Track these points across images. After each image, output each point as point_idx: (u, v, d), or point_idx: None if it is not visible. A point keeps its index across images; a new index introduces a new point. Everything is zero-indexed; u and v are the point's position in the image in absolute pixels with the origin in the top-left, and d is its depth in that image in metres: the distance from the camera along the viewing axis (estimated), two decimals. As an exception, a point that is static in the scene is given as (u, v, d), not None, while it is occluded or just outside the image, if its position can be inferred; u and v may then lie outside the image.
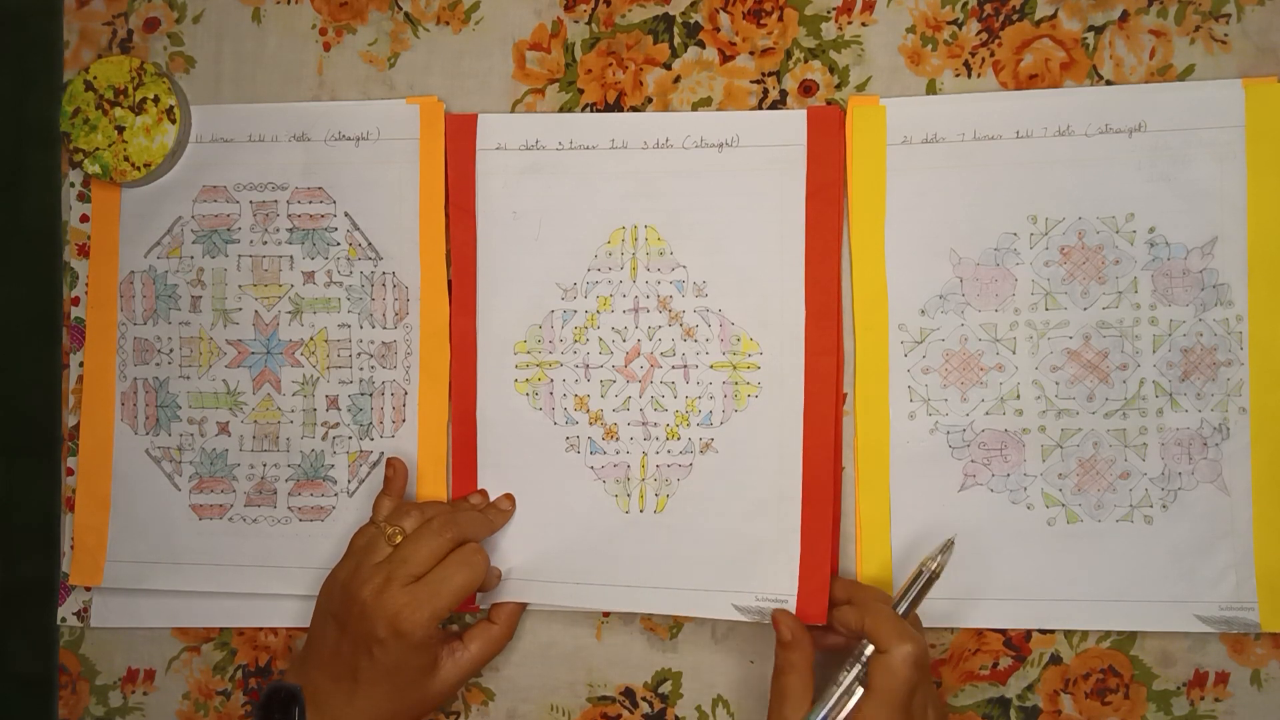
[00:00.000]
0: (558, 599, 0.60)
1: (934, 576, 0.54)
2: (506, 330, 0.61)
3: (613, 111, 0.61)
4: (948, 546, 0.54)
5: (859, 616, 0.53)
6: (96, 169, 0.62)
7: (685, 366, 0.60)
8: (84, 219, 0.64)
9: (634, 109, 0.61)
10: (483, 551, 0.57)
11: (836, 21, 0.60)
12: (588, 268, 0.61)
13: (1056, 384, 0.58)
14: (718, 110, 0.61)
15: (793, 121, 0.60)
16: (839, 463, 0.59)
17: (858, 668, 0.52)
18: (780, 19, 0.60)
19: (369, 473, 0.62)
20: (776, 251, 0.60)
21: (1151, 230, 0.58)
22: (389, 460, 0.60)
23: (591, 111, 0.61)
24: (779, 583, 0.58)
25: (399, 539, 0.56)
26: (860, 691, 0.51)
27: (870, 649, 0.52)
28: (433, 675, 0.56)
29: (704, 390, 0.60)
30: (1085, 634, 0.58)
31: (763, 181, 0.60)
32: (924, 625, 0.58)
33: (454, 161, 0.61)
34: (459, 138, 0.61)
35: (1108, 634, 0.58)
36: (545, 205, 0.61)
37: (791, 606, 0.57)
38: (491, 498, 0.61)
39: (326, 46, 0.63)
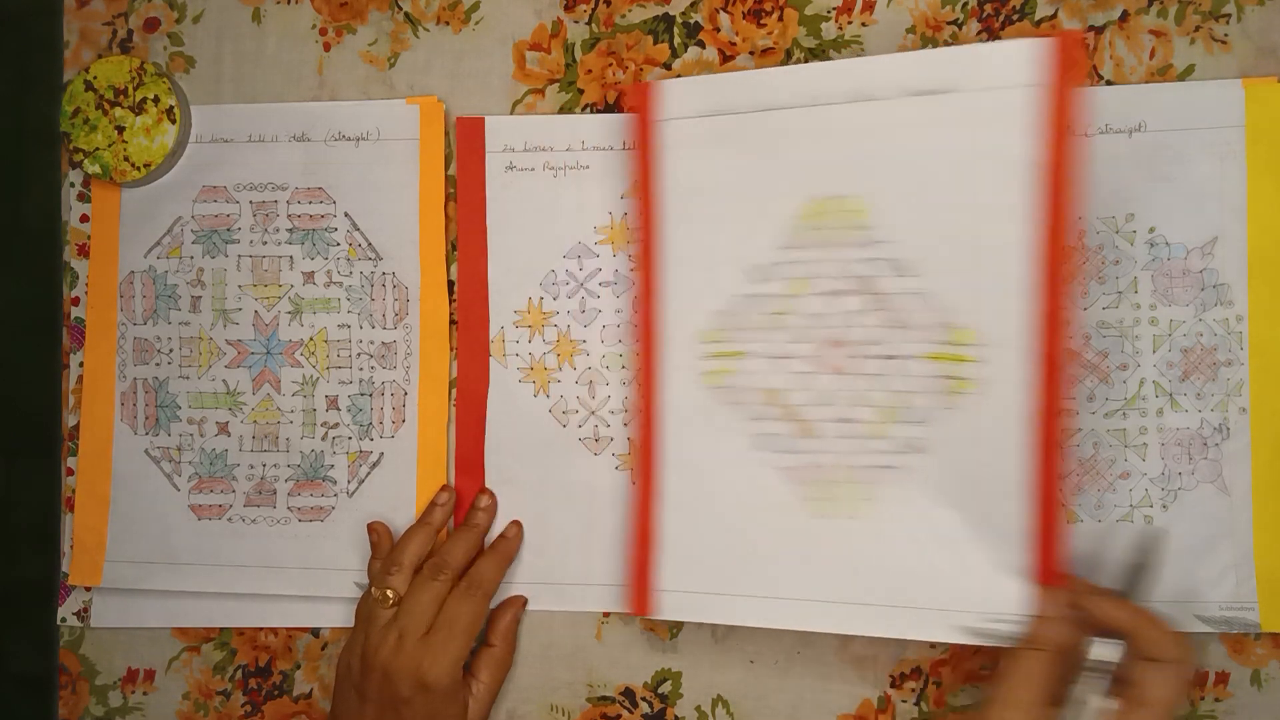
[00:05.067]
0: (743, 616, 0.55)
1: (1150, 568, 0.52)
2: (692, 317, 0.56)
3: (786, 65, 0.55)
4: (1162, 535, 0.53)
5: (1128, 616, 0.49)
6: (96, 169, 0.62)
7: (892, 358, 0.54)
8: (84, 219, 0.64)
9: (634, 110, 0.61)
10: (476, 579, 0.57)
11: (836, 21, 0.60)
12: (780, 246, 0.55)
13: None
14: (930, 48, 0.54)
15: (1021, 59, 0.50)
16: (1063, 463, 0.53)
17: (1101, 674, 0.49)
18: (780, 19, 0.60)
19: (369, 473, 0.62)
20: (1002, 220, 0.51)
21: (1151, 230, 0.58)
22: (369, 526, 0.61)
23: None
24: (1003, 599, 0.52)
25: (391, 598, 0.56)
26: (1101, 702, 0.49)
27: (1108, 652, 0.49)
28: (464, 719, 0.57)
29: (913, 385, 0.53)
30: (1086, 634, 0.58)
31: (985, 136, 0.51)
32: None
33: (640, 130, 0.57)
34: (644, 105, 0.57)
35: (1108, 634, 0.58)
36: (732, 176, 0.55)
37: (1020, 624, 0.52)
38: (675, 498, 0.56)
39: (326, 46, 0.63)
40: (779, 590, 0.55)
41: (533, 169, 0.61)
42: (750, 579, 0.55)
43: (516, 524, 0.61)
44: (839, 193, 0.54)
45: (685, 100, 0.56)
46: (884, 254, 0.53)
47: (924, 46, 0.59)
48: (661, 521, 0.57)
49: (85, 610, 0.63)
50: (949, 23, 0.59)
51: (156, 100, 0.62)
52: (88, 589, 0.63)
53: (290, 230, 0.63)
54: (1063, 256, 0.51)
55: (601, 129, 0.61)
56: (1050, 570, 0.52)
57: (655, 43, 0.61)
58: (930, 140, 0.52)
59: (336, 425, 0.62)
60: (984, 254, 0.52)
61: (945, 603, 0.53)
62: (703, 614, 0.56)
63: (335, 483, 0.62)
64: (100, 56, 0.64)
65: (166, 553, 0.63)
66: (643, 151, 0.57)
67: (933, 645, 0.59)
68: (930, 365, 0.53)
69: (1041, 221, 0.51)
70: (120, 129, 0.62)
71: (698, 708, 0.61)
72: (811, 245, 0.54)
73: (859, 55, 0.60)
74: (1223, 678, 0.58)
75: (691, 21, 0.61)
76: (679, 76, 0.59)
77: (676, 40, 0.61)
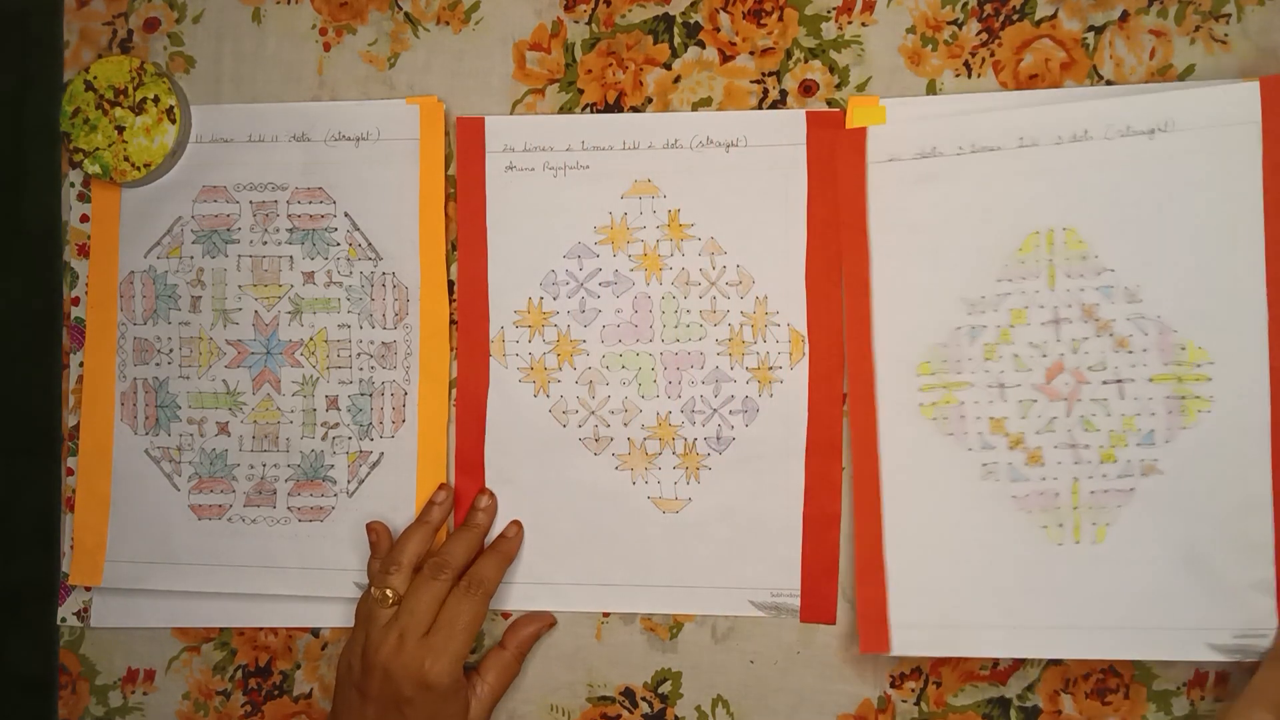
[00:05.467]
0: (991, 647, 0.56)
1: None
2: (907, 350, 0.57)
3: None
4: None
5: None
6: (96, 169, 0.62)
7: (1119, 381, 0.55)
8: (84, 219, 0.64)
9: (634, 109, 0.61)
10: (476, 578, 0.57)
11: (836, 21, 0.60)
12: (997, 278, 0.56)
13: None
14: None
15: (1242, 97, 0.54)
16: None
17: None
18: (780, 19, 0.60)
19: (369, 473, 0.62)
20: (1229, 243, 0.54)
21: None
22: (368, 525, 0.61)
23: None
24: (1254, 614, 0.53)
25: (391, 598, 0.56)
26: None
27: None
28: (466, 718, 0.57)
29: (1143, 406, 0.55)
30: (1086, 634, 0.58)
31: (1208, 167, 0.54)
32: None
33: (845, 174, 0.58)
34: (850, 150, 0.58)
35: (1109, 634, 0.58)
36: (944, 215, 0.57)
37: (1271, 642, 0.53)
38: (899, 531, 0.56)
39: (326, 46, 0.63)
40: (1023, 619, 0.55)
41: (533, 169, 0.61)
42: (991, 609, 0.56)
43: (516, 524, 0.61)
44: (1058, 225, 0.55)
45: (893, 144, 0.57)
46: (1107, 281, 0.55)
47: (924, 46, 0.59)
48: (886, 555, 0.57)
49: (85, 610, 0.63)
50: (949, 23, 0.59)
51: (156, 100, 0.62)
52: (88, 589, 0.63)
53: (290, 230, 0.63)
54: None
55: (602, 129, 0.61)
56: None
57: (655, 43, 0.61)
58: (1151, 174, 0.54)
59: (336, 425, 0.62)
60: (1214, 277, 0.54)
61: (1195, 622, 0.54)
62: (946, 648, 0.56)
63: (335, 483, 0.62)
64: (100, 56, 0.64)
65: (166, 553, 0.63)
66: (851, 193, 0.58)
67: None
68: (1160, 387, 0.54)
69: (1274, 244, 0.53)
70: (120, 129, 0.62)
71: (698, 708, 0.61)
72: (1031, 276, 0.56)
73: (859, 55, 0.60)
74: (1223, 678, 0.57)
75: (691, 21, 0.61)
76: (885, 122, 0.59)
77: (676, 40, 0.61)
